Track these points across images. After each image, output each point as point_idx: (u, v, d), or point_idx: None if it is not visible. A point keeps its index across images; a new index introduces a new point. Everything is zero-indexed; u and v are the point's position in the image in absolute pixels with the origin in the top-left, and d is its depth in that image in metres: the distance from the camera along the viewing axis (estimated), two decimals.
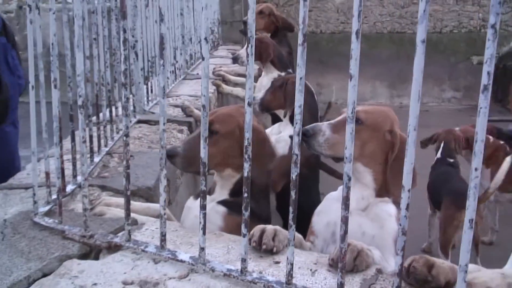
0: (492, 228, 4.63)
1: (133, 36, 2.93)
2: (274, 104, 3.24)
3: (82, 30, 1.62)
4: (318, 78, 9.60)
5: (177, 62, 4.40)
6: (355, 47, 1.09)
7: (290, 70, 4.58)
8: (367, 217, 1.81)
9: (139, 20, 3.09)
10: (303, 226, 1.83)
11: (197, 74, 4.89)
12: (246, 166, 1.26)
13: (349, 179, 1.13)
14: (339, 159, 1.91)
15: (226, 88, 4.53)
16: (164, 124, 1.39)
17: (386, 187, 1.85)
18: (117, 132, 2.66)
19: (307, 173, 2.74)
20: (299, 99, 1.18)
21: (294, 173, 1.19)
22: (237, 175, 2.01)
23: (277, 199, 2.90)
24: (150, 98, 3.39)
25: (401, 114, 1.97)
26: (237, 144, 1.96)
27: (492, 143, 4.71)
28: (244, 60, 4.74)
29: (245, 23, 5.63)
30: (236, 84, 4.82)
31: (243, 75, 5.00)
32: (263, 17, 5.46)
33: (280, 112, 3.19)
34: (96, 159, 2.29)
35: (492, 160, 4.51)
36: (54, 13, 1.53)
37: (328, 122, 1.90)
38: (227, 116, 2.04)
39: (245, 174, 1.27)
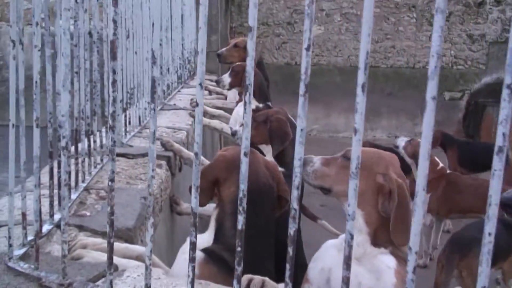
0: (425, 252, 4.86)
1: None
2: (258, 139, 3.20)
3: (69, 69, 1.55)
4: (293, 109, 9.54)
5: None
6: (361, 100, 1.05)
7: (269, 103, 4.58)
8: (364, 267, 1.75)
9: (119, 51, 3.03)
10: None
11: (174, 104, 4.84)
12: (241, 219, 1.21)
13: (352, 237, 1.08)
14: (326, 191, 1.93)
15: (204, 120, 4.48)
16: (153, 170, 1.32)
17: (383, 235, 1.80)
18: (95, 167, 2.58)
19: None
20: (299, 151, 1.13)
21: (292, 229, 1.14)
22: (216, 210, 1.97)
23: None
24: (127, 130, 3.32)
25: None
26: (217, 176, 1.96)
27: (438, 170, 4.81)
28: (226, 84, 4.76)
29: (219, 55, 5.71)
30: (213, 116, 4.78)
31: (221, 108, 4.99)
32: (238, 50, 5.53)
33: (264, 148, 3.15)
34: (73, 195, 2.20)
35: (432, 186, 4.63)
36: (39, 50, 1.47)
37: (321, 156, 1.96)
38: (223, 150, 2.08)
39: (239, 227, 1.21)
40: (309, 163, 1.92)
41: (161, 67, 4.68)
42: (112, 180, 1.38)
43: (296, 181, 1.14)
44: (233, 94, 5.09)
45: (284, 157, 3.09)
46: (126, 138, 3.22)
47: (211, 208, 2.11)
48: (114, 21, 1.31)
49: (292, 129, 3.14)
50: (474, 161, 5.92)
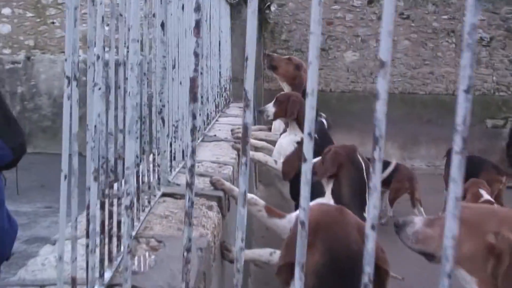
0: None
1: (160, 101, 2.65)
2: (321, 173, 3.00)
3: (136, 111, 1.30)
4: None
5: None
6: None
7: (316, 135, 4.31)
8: None
9: (166, 82, 2.80)
10: None
11: (215, 135, 4.60)
12: None
13: None
14: (430, 257, 1.65)
15: None
16: (242, 240, 1.05)
17: None
18: (143, 210, 2.33)
19: None
20: (451, 227, 0.85)
21: None
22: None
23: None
24: (172, 165, 3.07)
25: None
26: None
27: (482, 202, 4.94)
28: (270, 115, 4.45)
29: (268, 55, 5.32)
30: (256, 148, 4.52)
31: (264, 140, 4.74)
32: (288, 63, 5.10)
33: (325, 183, 2.91)
34: (122, 247, 1.94)
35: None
36: (100, 89, 1.22)
37: (423, 216, 1.71)
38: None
39: None
40: (409, 223, 1.67)
41: (201, 97, 4.45)
42: (188, 250, 1.11)
43: (448, 266, 0.85)
44: (278, 124, 4.80)
45: (340, 197, 2.83)
46: (171, 175, 2.97)
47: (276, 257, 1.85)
48: (196, 54, 1.06)
49: (354, 169, 2.86)
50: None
